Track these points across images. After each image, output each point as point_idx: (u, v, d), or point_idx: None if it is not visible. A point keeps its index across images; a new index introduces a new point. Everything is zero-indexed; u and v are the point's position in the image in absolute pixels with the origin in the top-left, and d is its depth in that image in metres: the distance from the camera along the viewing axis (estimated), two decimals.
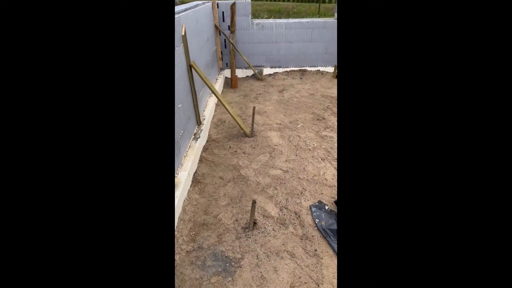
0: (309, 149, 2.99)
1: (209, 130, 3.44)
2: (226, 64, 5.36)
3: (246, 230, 1.98)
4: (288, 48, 5.26)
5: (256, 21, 5.05)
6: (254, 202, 1.81)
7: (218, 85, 4.59)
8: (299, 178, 2.53)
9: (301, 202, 2.25)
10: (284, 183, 2.47)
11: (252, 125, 3.19)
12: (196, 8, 3.22)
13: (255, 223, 2.02)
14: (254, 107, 3.08)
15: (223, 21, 4.96)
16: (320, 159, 2.82)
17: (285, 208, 2.19)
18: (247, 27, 5.04)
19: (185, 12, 2.79)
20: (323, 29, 5.07)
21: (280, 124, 3.56)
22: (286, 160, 2.80)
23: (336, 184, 2.46)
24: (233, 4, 4.77)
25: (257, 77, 5.26)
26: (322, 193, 2.36)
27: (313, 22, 5.02)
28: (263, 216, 2.12)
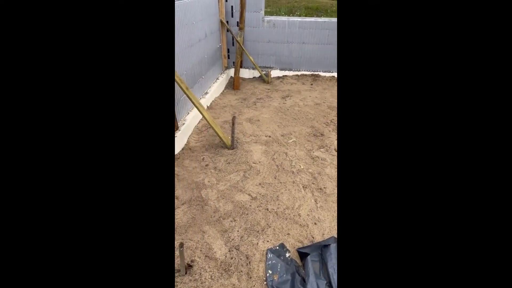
0: (293, 172, 2.54)
1: (190, 136, 3.11)
2: (233, 62, 5.00)
3: (177, 274, 1.62)
4: (301, 49, 4.75)
5: (267, 18, 4.60)
6: (181, 245, 1.44)
7: (217, 85, 4.26)
8: (267, 209, 2.11)
9: (258, 243, 1.83)
10: (247, 214, 2.06)
11: (232, 136, 2.80)
12: (182, 0, 2.89)
13: (190, 266, 1.65)
14: (233, 117, 2.68)
15: (232, 16, 4.59)
16: (301, 187, 2.35)
17: (236, 249, 1.79)
18: (257, 24, 4.62)
19: None
20: None
21: (269, 136, 3.13)
22: (260, 183, 2.38)
23: (309, 223, 1.99)
24: None
25: (264, 79, 4.83)
26: (288, 233, 1.91)
27: (330, 22, 4.45)
28: (206, 256, 1.74)
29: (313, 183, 2.40)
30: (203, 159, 2.71)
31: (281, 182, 2.41)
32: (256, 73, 5.00)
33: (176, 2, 2.74)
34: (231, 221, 2.00)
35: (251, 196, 2.23)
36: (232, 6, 4.50)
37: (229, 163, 2.65)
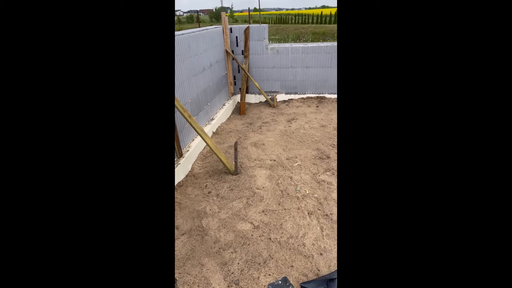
0: (298, 197, 2.44)
1: (194, 162, 3.12)
2: (239, 89, 5.13)
3: None
4: (305, 73, 4.83)
5: (271, 45, 4.77)
6: (175, 281, 1.37)
7: (224, 110, 4.34)
8: (270, 238, 2.00)
9: (259, 277, 1.72)
10: (248, 244, 1.96)
11: (236, 162, 2.78)
12: (186, 34, 3.05)
13: None
14: (236, 143, 2.68)
15: (237, 45, 4.79)
16: (306, 213, 2.25)
17: (236, 284, 1.68)
18: (261, 51, 4.78)
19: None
20: None
21: (274, 160, 3.08)
22: (263, 210, 2.30)
23: (315, 254, 1.86)
24: (247, 29, 4.58)
25: (269, 103, 4.89)
26: (292, 266, 1.79)
27: (333, 46, 4.53)
28: None
29: (319, 209, 2.29)
30: (206, 186, 2.68)
31: (285, 209, 2.31)
32: (262, 98, 5.08)
33: (179, 36, 2.90)
34: (232, 252, 1.91)
35: (253, 224, 2.15)
36: (236, 37, 4.71)
37: (232, 189, 2.59)
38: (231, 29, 4.64)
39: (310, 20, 34.68)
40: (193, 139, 3.31)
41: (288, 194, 2.50)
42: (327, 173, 2.79)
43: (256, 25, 4.62)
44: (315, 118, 4.17)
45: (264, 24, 4.65)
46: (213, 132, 3.88)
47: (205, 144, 3.46)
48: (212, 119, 3.99)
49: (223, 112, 4.31)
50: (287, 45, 4.75)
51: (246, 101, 5.00)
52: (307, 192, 2.52)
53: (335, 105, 4.66)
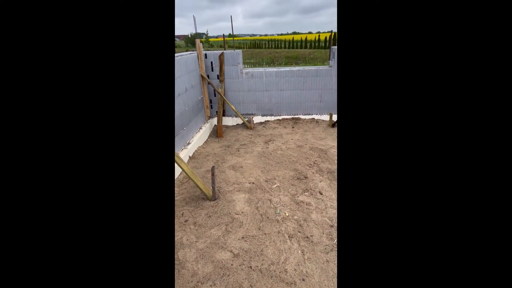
0: (278, 220, 2.41)
1: None
2: (216, 112, 5.15)
3: None
4: (280, 96, 4.99)
5: (246, 70, 4.91)
6: None
7: (201, 134, 4.30)
8: (251, 267, 1.93)
9: None
10: (228, 275, 1.87)
11: (213, 187, 2.71)
12: None
13: None
14: (213, 167, 2.63)
15: (212, 70, 4.88)
16: (286, 237, 2.21)
17: None
18: (236, 76, 4.90)
19: None
20: (316, 77, 4.79)
21: (253, 183, 3.05)
22: (243, 237, 2.22)
23: (297, 280, 1.81)
24: (221, 54, 4.71)
25: (246, 125, 4.94)
26: None
27: (304, 71, 4.78)
28: None
29: (299, 231, 2.27)
30: (182, 214, 2.56)
31: (265, 233, 2.26)
32: (239, 120, 5.13)
33: None
34: (211, 285, 1.79)
35: (233, 253, 2.06)
36: (211, 62, 4.81)
37: (210, 216, 2.50)
38: (205, 54, 4.75)
39: (283, 45, 36.64)
40: None
41: (268, 217, 2.46)
42: (305, 193, 2.81)
43: (230, 51, 4.77)
44: (292, 139, 4.26)
45: (238, 50, 4.82)
46: (189, 157, 3.79)
47: (181, 170, 3.37)
48: (189, 143, 3.93)
49: (200, 136, 4.27)
50: (261, 69, 4.93)
51: (223, 123, 5.02)
52: (287, 214, 2.50)
53: (310, 125, 4.82)
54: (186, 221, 2.45)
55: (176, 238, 2.24)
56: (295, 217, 2.45)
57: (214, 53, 4.77)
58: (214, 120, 5.09)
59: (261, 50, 35.15)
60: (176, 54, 3.81)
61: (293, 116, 5.10)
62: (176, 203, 2.75)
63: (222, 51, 4.74)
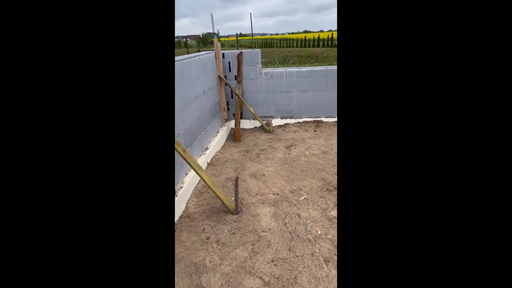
0: (309, 240, 2.15)
1: (188, 200, 2.79)
2: (233, 114, 4.93)
3: None
4: (300, 97, 4.71)
5: (265, 70, 4.66)
6: None
7: (218, 138, 4.08)
8: None
9: None
10: None
11: (236, 200, 2.48)
12: (178, 61, 2.86)
13: None
14: (236, 178, 2.40)
15: (230, 71, 4.66)
16: (322, 261, 1.94)
17: None
18: (255, 76, 4.66)
19: None
20: None
21: (278, 194, 2.80)
22: (272, 260, 1.98)
23: None
24: (240, 54, 4.48)
25: (265, 128, 4.69)
26: None
27: (327, 70, 4.48)
28: None
29: (335, 254, 2.00)
30: (203, 229, 2.34)
31: (297, 256, 2.00)
32: (257, 123, 4.89)
33: None
34: None
35: (263, 280, 1.81)
36: (229, 62, 4.59)
37: (233, 233, 2.27)
38: (223, 54, 4.53)
39: (295, 44, 36.13)
40: (187, 173, 3.00)
41: (298, 236, 2.21)
42: (337, 208, 2.53)
43: (249, 50, 4.53)
44: (315, 144, 3.98)
45: (257, 49, 4.57)
46: (207, 163, 3.58)
47: (200, 178, 3.16)
48: (207, 148, 3.72)
49: (218, 140, 4.06)
50: (281, 69, 4.66)
51: (240, 126, 4.79)
52: (319, 232, 2.24)
53: (334, 129, 4.52)
54: (208, 238, 2.23)
55: (198, 259, 2.01)
56: (329, 236, 2.18)
57: (232, 53, 4.55)
58: (231, 123, 4.87)
59: (272, 49, 34.80)
60: (193, 54, 3.61)
61: (314, 119, 4.80)
62: (195, 216, 2.54)
63: (240, 50, 4.50)
